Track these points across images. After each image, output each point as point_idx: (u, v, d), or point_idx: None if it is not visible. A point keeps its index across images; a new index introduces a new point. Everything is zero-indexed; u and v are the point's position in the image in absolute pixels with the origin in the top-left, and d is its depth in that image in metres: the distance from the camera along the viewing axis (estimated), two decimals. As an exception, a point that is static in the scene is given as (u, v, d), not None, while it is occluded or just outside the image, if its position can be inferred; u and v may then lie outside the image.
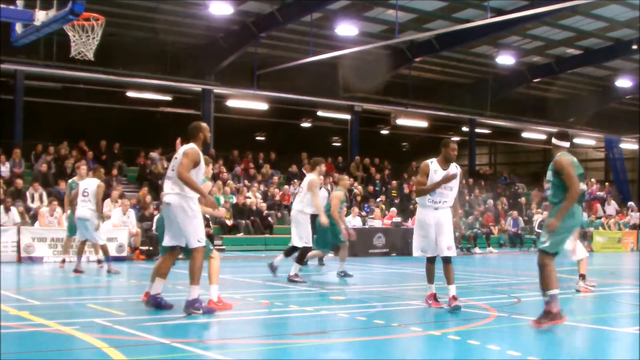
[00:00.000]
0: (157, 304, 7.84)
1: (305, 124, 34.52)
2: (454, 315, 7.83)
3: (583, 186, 7.07)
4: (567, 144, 7.30)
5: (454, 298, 8.14)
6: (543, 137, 37.75)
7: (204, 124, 7.93)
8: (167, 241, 7.74)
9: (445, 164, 8.31)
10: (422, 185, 8.24)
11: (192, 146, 7.61)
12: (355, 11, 23.42)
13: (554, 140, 7.33)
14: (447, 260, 8.29)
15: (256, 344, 6.40)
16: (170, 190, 7.57)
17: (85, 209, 12.55)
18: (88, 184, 12.66)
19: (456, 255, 8.61)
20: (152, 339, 6.23)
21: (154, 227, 16.67)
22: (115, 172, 22.32)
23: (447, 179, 8.18)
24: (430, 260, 8.48)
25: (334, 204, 12.41)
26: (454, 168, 8.32)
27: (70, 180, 13.96)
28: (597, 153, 41.46)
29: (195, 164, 7.54)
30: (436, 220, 8.29)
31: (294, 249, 11.61)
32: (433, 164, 8.31)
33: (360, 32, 24.13)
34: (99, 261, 14.06)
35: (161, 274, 7.85)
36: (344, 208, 13.35)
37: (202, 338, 6.34)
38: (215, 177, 23.73)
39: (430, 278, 8.55)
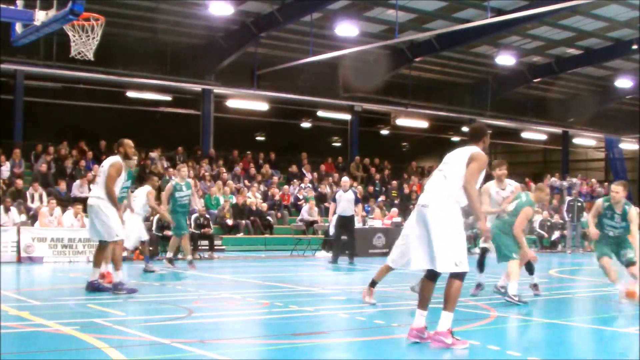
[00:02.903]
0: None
1: (305, 124, 34.47)
2: (454, 316, 7.78)
3: None
4: None
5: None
6: (543, 137, 37.75)
7: (127, 140, 9.51)
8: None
9: (500, 183, 9.40)
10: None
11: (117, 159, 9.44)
12: (355, 11, 23.39)
13: None
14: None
15: (256, 344, 6.39)
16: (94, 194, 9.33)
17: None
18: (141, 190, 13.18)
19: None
20: (152, 339, 6.22)
21: (154, 228, 16.68)
22: (114, 172, 22.24)
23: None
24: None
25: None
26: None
27: (174, 183, 13.71)
28: (597, 153, 41.45)
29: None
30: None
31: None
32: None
33: (360, 32, 24.08)
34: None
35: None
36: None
37: (202, 338, 6.34)
38: (215, 177, 23.76)
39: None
